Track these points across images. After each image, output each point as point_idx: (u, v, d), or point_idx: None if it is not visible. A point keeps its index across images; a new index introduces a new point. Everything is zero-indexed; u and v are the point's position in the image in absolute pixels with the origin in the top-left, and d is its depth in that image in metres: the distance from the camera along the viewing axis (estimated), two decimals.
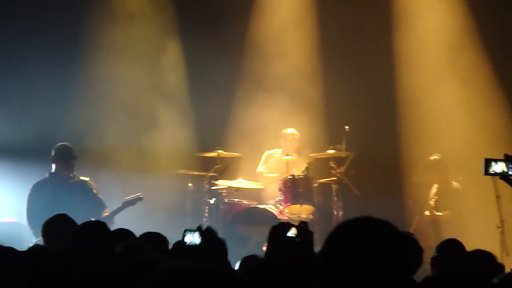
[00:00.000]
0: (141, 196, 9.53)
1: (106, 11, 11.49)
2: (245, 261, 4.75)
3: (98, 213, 9.20)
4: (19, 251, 3.84)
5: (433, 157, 10.55)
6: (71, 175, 9.46)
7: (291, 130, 11.17)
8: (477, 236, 9.36)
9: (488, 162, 3.20)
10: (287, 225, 4.85)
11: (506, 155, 3.23)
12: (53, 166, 9.43)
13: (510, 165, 3.19)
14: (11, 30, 11.04)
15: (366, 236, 2.39)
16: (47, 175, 9.42)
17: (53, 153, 9.43)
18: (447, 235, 8.73)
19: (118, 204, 9.47)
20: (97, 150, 10.85)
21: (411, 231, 9.73)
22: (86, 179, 9.57)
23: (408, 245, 2.44)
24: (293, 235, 4.75)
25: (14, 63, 11.03)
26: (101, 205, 9.44)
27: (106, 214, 9.33)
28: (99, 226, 5.04)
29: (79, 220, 5.51)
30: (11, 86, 11.01)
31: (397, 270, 2.36)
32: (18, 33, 11.05)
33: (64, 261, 3.33)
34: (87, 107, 11.31)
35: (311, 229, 4.92)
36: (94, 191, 9.50)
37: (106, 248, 4.73)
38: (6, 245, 3.85)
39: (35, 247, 5.04)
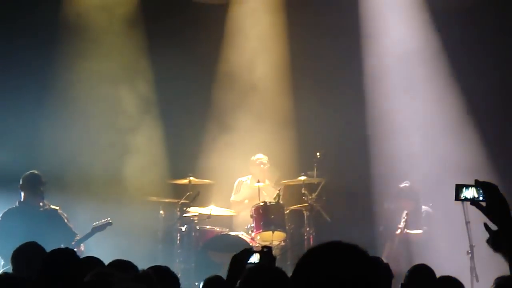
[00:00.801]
0: (110, 221, 9.48)
1: (79, 35, 11.52)
2: (208, 282, 4.72)
3: (69, 242, 9.12)
4: None
5: (402, 185, 10.58)
6: (41, 203, 9.39)
7: (259, 155, 11.20)
8: (448, 261, 9.41)
9: (458, 188, 3.23)
10: (250, 252, 4.77)
11: (476, 181, 3.26)
12: (22, 194, 9.36)
13: (481, 191, 3.21)
14: None
15: (334, 262, 2.41)
16: (17, 203, 9.36)
17: (21, 181, 9.37)
18: (419, 259, 8.80)
19: (88, 230, 9.42)
20: (68, 178, 10.78)
21: (383, 256, 9.76)
22: (56, 207, 9.51)
23: (376, 270, 2.46)
24: (256, 261, 4.68)
25: None
26: (72, 234, 9.38)
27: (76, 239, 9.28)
28: (68, 254, 4.99)
29: (49, 249, 5.45)
30: None
31: None
32: None
33: None
34: (57, 134, 11.26)
35: (283, 255, 4.90)
36: (65, 220, 9.43)
37: (74, 276, 4.69)
38: None
39: (3, 275, 5.00)
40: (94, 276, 4.33)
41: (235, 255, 4.65)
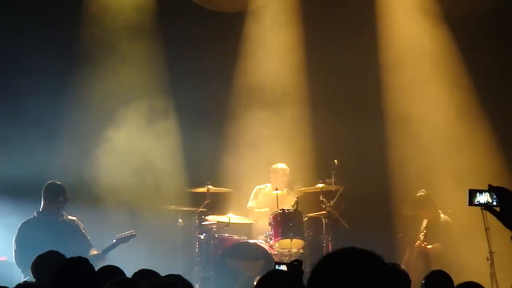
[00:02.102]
0: (134, 233, 9.48)
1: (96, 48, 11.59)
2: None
3: (86, 252, 9.15)
4: None
5: (418, 194, 10.52)
6: (58, 213, 9.42)
7: (281, 165, 11.21)
8: (468, 268, 9.36)
9: (472, 193, 3.24)
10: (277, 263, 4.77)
11: (490, 186, 3.26)
12: (42, 204, 9.41)
13: (494, 196, 3.21)
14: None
15: (349, 268, 2.41)
16: (35, 213, 9.39)
17: (43, 190, 9.42)
18: (438, 267, 8.75)
19: (109, 241, 9.44)
20: (87, 188, 10.83)
21: (403, 264, 9.74)
22: (74, 218, 9.54)
23: (393, 276, 2.46)
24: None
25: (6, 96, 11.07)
26: (88, 244, 9.40)
27: (94, 253, 9.27)
28: (81, 263, 5.01)
29: None
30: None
31: None
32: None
33: None
34: (77, 144, 11.33)
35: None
36: (82, 230, 9.46)
37: (89, 285, 4.71)
38: None
39: (23, 284, 5.02)
40: (113, 284, 4.34)
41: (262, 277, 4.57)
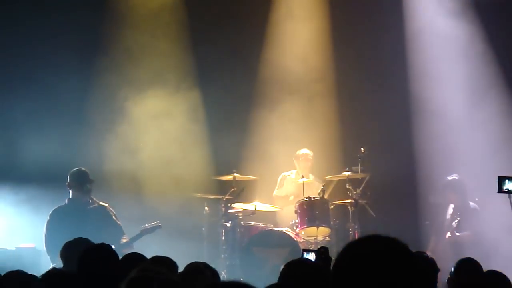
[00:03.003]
0: (159, 224, 9.53)
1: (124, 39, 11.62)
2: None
3: (117, 239, 9.20)
4: (36, 277, 3.86)
5: (451, 177, 10.51)
6: (89, 200, 9.49)
7: (304, 150, 11.17)
8: (497, 256, 9.31)
9: (501, 180, 3.20)
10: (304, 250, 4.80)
11: None
12: (70, 192, 9.46)
13: None
14: (24, 50, 11.16)
15: (372, 253, 2.41)
16: (66, 201, 9.46)
17: (68, 179, 9.47)
18: (466, 255, 8.69)
19: (135, 228, 9.49)
20: (113, 175, 10.87)
21: (428, 250, 9.68)
22: (105, 204, 9.59)
23: (416, 262, 2.45)
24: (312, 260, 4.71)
25: (33, 86, 11.13)
26: (120, 231, 9.44)
27: (125, 240, 9.33)
28: (104, 250, 5.03)
29: None
30: (28, 110, 11.11)
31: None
32: (33, 52, 11.17)
33: (76, 284, 3.35)
34: (103, 132, 11.38)
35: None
36: (113, 217, 9.51)
37: (113, 272, 4.73)
38: (24, 270, 3.87)
39: (51, 271, 5.06)
40: (139, 271, 4.34)
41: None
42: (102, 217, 9.38)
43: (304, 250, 5.01)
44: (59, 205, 9.45)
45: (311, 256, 4.76)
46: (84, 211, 9.35)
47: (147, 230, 9.47)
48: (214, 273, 4.87)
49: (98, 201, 9.55)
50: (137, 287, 3.48)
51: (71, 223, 9.08)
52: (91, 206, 9.46)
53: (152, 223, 9.50)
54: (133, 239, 9.35)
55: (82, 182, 9.43)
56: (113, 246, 5.29)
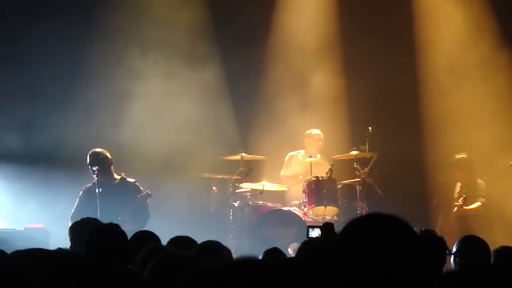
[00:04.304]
0: (149, 192, 9.57)
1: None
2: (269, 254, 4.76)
3: (143, 212, 9.36)
4: (46, 252, 3.86)
5: (459, 156, 10.50)
6: (115, 176, 9.60)
7: (315, 131, 11.16)
8: (504, 234, 9.32)
9: None
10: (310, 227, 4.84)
11: None
12: (95, 170, 9.57)
13: None
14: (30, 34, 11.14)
15: (374, 233, 2.43)
16: (95, 179, 9.55)
17: (88, 159, 9.64)
18: (478, 230, 8.71)
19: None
20: (120, 155, 10.88)
21: (437, 229, 9.68)
22: (132, 180, 9.69)
23: (418, 241, 2.46)
24: (317, 236, 4.75)
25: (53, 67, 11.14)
26: (143, 211, 9.50)
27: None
28: (111, 229, 5.04)
29: (122, 222, 5.48)
30: (40, 90, 11.13)
31: (407, 266, 2.39)
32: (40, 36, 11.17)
33: (82, 264, 3.36)
34: (110, 111, 11.39)
35: (336, 230, 4.91)
36: (135, 194, 9.53)
37: (122, 251, 4.75)
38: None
39: (58, 250, 5.08)
40: (147, 252, 4.33)
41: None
42: (128, 193, 9.45)
43: (309, 226, 5.05)
44: (88, 184, 9.65)
45: (316, 232, 4.80)
46: (109, 188, 9.44)
47: (140, 200, 9.50)
48: (228, 252, 4.90)
49: (125, 177, 9.68)
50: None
51: (87, 202, 9.35)
52: (115, 182, 9.57)
53: (142, 194, 9.53)
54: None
55: (88, 164, 9.54)
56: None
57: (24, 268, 3.40)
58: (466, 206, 10.09)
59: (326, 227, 4.79)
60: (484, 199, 10.22)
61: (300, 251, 4.29)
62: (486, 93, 11.28)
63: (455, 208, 10.13)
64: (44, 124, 11.04)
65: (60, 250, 4.09)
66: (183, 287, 2.31)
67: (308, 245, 4.31)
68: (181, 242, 5.12)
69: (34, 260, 3.50)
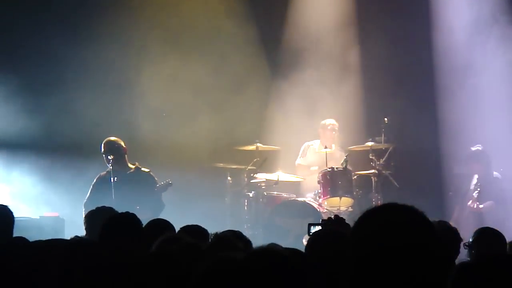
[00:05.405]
0: (170, 182, 9.58)
1: None
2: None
3: (158, 201, 9.39)
4: (63, 242, 3.88)
5: (475, 148, 10.44)
6: (129, 165, 9.64)
7: (330, 121, 11.11)
8: None
9: None
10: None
11: None
12: (110, 159, 9.59)
13: None
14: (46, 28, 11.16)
15: (389, 224, 2.42)
16: (109, 167, 9.58)
17: (102, 148, 9.67)
18: (490, 225, 8.64)
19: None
20: (137, 145, 10.89)
21: (452, 220, 9.64)
22: (147, 170, 9.71)
23: (432, 231, 2.44)
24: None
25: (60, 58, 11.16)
26: (157, 201, 9.52)
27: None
28: (126, 218, 5.04)
29: (138, 210, 5.49)
30: (57, 81, 11.15)
31: (421, 257, 2.37)
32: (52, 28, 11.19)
33: (97, 252, 3.37)
34: (124, 101, 11.41)
35: (350, 222, 4.86)
36: (149, 184, 9.55)
37: (136, 239, 4.75)
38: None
39: (74, 239, 5.09)
40: (162, 242, 4.32)
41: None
42: (141, 183, 9.48)
43: (310, 224, 5.01)
44: (103, 172, 9.69)
45: (317, 230, 4.77)
46: (122, 177, 9.47)
47: (159, 190, 9.52)
48: (247, 243, 4.89)
49: (140, 166, 9.70)
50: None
51: (101, 191, 9.40)
52: (129, 172, 9.60)
53: (164, 182, 9.56)
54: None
55: (103, 153, 9.58)
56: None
57: (44, 258, 3.41)
58: (479, 202, 10.02)
59: (329, 223, 4.74)
60: (497, 198, 10.12)
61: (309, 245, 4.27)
62: (504, 84, 11.20)
63: (470, 202, 10.07)
64: (63, 114, 11.08)
65: (77, 239, 4.10)
66: (204, 275, 2.30)
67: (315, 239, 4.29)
68: (192, 231, 5.11)
69: (54, 249, 3.52)
